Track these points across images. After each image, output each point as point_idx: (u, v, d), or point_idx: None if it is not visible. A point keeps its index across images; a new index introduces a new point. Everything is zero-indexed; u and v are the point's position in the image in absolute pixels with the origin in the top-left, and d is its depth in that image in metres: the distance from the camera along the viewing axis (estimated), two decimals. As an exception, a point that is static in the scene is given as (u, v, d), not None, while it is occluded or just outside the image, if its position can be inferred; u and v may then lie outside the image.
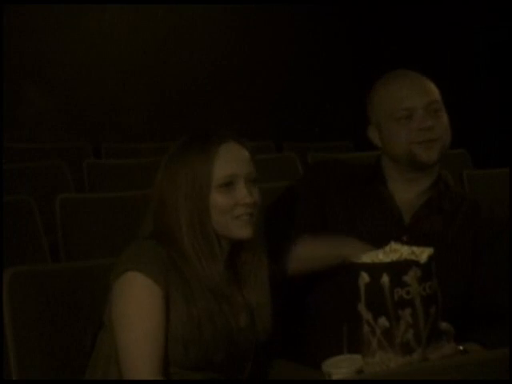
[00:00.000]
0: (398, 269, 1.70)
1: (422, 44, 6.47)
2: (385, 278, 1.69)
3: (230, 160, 1.90)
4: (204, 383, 1.88)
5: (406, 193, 2.22)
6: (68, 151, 4.95)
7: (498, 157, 5.11)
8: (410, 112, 2.17)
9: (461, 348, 1.86)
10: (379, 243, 2.09)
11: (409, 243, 2.01)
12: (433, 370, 1.31)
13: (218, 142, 1.90)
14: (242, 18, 6.34)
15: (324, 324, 2.14)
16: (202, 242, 1.87)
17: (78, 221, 3.17)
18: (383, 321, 1.70)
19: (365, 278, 1.72)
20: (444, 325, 1.78)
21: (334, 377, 1.78)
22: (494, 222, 2.21)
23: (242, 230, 1.89)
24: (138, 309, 1.82)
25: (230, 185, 1.88)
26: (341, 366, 1.79)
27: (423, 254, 1.73)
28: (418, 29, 6.47)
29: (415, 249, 1.74)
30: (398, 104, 2.18)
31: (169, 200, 1.89)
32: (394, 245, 1.77)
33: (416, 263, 1.70)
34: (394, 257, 1.73)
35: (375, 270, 1.71)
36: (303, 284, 2.20)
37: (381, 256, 1.75)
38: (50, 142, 5.19)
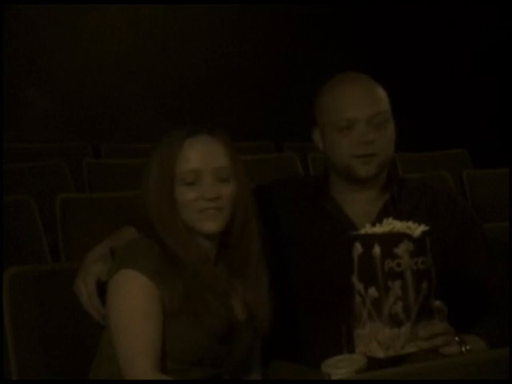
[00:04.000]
0: (389, 240, 1.72)
1: (422, 44, 6.47)
2: (376, 249, 1.71)
3: (195, 154, 1.89)
4: (204, 383, 1.88)
5: (356, 203, 2.16)
6: (68, 151, 4.95)
7: (498, 157, 5.11)
8: (352, 123, 2.09)
9: (457, 339, 1.86)
10: (336, 264, 2.07)
11: None
12: (433, 370, 1.31)
13: (185, 136, 1.91)
14: (243, 17, 6.34)
15: (324, 323, 2.14)
16: (176, 235, 1.88)
17: (78, 221, 3.17)
18: (373, 291, 1.72)
19: (358, 248, 1.74)
20: (437, 303, 1.79)
21: (334, 377, 1.78)
22: (460, 212, 2.19)
23: (205, 224, 1.89)
24: (133, 306, 1.82)
25: (194, 179, 1.88)
26: (340, 366, 1.79)
27: (418, 229, 1.74)
28: (418, 29, 6.47)
29: (411, 224, 1.75)
30: (341, 113, 2.10)
31: (143, 193, 1.93)
32: (391, 219, 1.78)
33: (409, 237, 1.71)
34: (388, 229, 1.74)
35: (368, 240, 1.73)
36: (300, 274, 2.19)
37: (376, 228, 1.76)
38: (50, 142, 5.19)
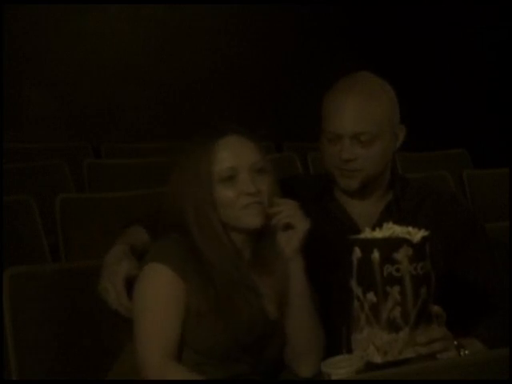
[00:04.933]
0: (389, 245, 1.71)
1: (422, 44, 6.47)
2: (375, 254, 1.70)
3: (230, 154, 1.92)
4: (207, 383, 1.88)
5: (359, 204, 2.16)
6: (68, 151, 4.94)
7: (498, 157, 5.11)
8: (337, 137, 2.09)
9: (455, 343, 1.86)
10: (338, 265, 2.07)
11: None
12: (433, 371, 1.31)
13: (216, 137, 1.94)
14: (243, 17, 6.34)
15: (325, 324, 2.13)
16: (210, 236, 1.91)
17: (78, 221, 3.17)
18: (371, 296, 1.71)
19: (357, 252, 1.74)
20: (436, 308, 1.78)
21: (334, 377, 1.78)
22: (464, 213, 2.19)
23: (250, 219, 1.91)
24: (155, 294, 1.87)
25: (232, 178, 1.91)
26: (340, 365, 1.79)
27: (418, 234, 1.73)
28: (418, 29, 6.47)
29: (411, 229, 1.75)
30: (329, 125, 2.10)
31: (176, 196, 1.94)
32: (391, 224, 1.78)
33: (408, 242, 1.71)
34: (387, 234, 1.74)
35: (367, 245, 1.72)
36: None
37: (376, 233, 1.75)
38: (50, 142, 5.18)
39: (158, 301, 1.87)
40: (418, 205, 2.18)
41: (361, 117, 2.08)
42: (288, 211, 1.92)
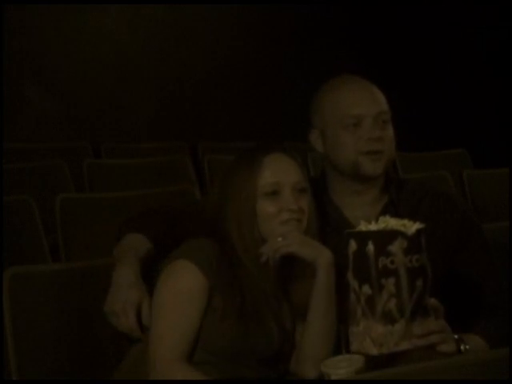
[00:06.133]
0: (383, 238, 1.72)
1: (422, 44, 6.47)
2: (370, 246, 1.71)
3: (275, 169, 1.97)
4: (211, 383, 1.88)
5: (356, 206, 2.16)
6: (68, 151, 4.95)
7: (498, 157, 5.11)
8: (359, 120, 2.10)
9: (456, 337, 1.86)
10: (337, 264, 2.04)
11: None
12: (433, 370, 1.31)
13: (263, 153, 1.99)
14: (242, 17, 6.34)
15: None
16: (252, 248, 1.94)
17: (78, 221, 3.18)
18: (366, 288, 1.72)
19: (353, 245, 1.75)
20: (432, 301, 1.78)
21: (334, 377, 1.78)
22: (460, 213, 2.19)
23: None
24: (177, 291, 1.89)
25: (275, 193, 1.96)
26: (340, 366, 1.79)
27: (412, 226, 1.74)
28: (418, 29, 6.47)
29: (406, 222, 1.75)
30: (347, 110, 2.11)
31: (221, 209, 1.98)
32: (387, 217, 1.78)
33: (403, 234, 1.71)
34: (382, 226, 1.75)
35: (362, 237, 1.74)
36: None
37: (371, 226, 1.76)
38: (50, 142, 5.18)
39: (177, 299, 1.88)
40: (414, 206, 2.18)
41: (377, 98, 2.14)
42: (272, 246, 1.93)
